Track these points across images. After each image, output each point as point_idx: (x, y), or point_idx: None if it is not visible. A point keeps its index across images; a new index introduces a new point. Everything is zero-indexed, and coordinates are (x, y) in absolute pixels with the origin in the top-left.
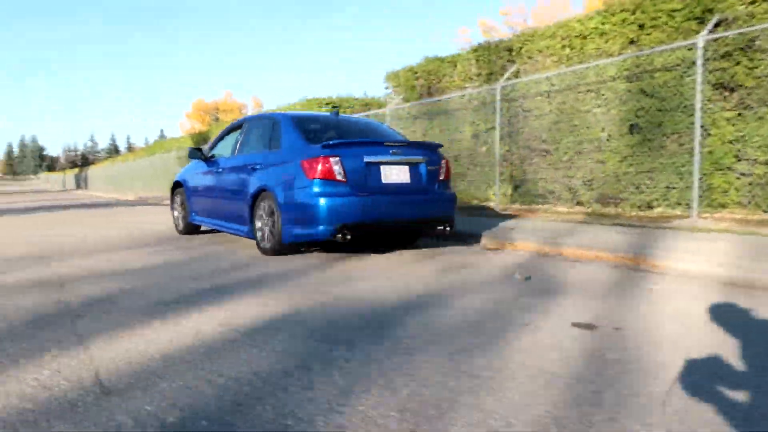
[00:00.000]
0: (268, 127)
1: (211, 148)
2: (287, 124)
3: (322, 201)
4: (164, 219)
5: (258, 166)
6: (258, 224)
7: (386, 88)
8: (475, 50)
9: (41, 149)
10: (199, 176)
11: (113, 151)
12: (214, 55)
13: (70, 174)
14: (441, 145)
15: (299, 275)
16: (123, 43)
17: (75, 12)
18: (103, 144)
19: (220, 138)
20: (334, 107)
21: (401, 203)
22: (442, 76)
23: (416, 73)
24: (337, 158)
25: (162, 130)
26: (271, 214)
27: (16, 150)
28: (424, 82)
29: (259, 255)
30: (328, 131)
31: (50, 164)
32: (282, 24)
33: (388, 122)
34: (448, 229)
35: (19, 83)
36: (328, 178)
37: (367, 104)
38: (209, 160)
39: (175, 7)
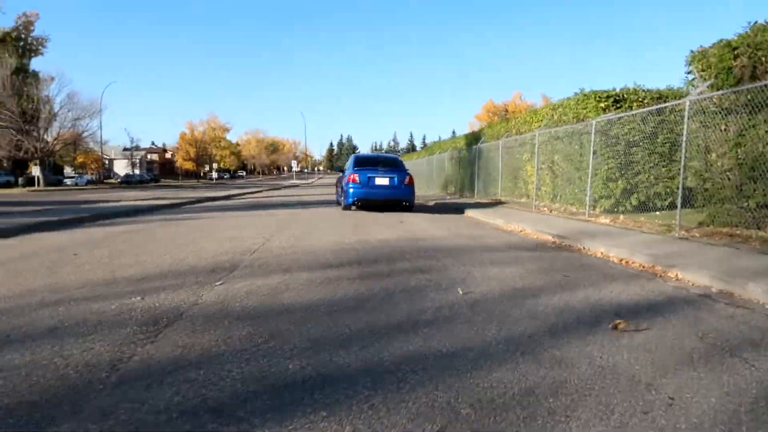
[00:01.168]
0: (350, 158)
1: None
2: (353, 158)
3: (351, 190)
4: (394, 222)
5: (345, 175)
6: (341, 199)
7: (688, 72)
8: None
9: (354, 148)
10: (340, 179)
11: (410, 149)
12: (508, 56)
13: None
14: (406, 170)
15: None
16: (426, 44)
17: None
18: (403, 143)
19: (347, 161)
20: (616, 101)
21: (383, 193)
22: None
23: (735, 48)
24: (357, 174)
25: (454, 131)
26: (343, 195)
27: (335, 148)
28: (747, 60)
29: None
30: (367, 161)
31: None
32: (574, 17)
33: (688, 118)
34: (407, 204)
35: (340, 88)
36: (353, 182)
37: (660, 96)
38: (342, 172)
39: (480, 9)
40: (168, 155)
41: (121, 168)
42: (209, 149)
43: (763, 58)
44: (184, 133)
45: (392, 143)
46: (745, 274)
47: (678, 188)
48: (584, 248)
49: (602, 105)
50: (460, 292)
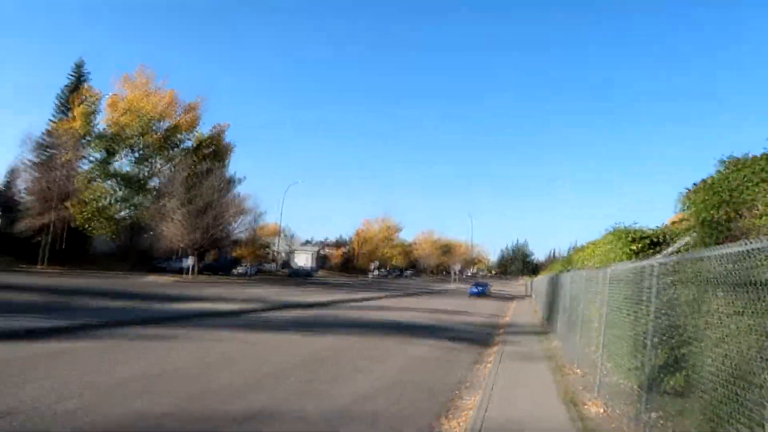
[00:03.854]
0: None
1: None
2: (474, 283)
3: (469, 291)
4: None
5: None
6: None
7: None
8: None
9: (526, 255)
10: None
11: None
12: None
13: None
14: (488, 285)
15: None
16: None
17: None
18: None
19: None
20: (653, 243)
21: (479, 291)
22: (755, 198)
23: (716, 191)
24: (473, 287)
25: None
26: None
27: (510, 253)
28: (729, 208)
29: None
30: (476, 283)
31: (534, 268)
32: None
33: (654, 285)
34: (487, 294)
35: (520, 191)
36: (471, 288)
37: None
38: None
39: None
40: (342, 250)
41: (301, 260)
42: (381, 248)
43: (741, 205)
44: (360, 229)
45: (570, 251)
46: None
47: None
48: None
49: (633, 248)
50: None
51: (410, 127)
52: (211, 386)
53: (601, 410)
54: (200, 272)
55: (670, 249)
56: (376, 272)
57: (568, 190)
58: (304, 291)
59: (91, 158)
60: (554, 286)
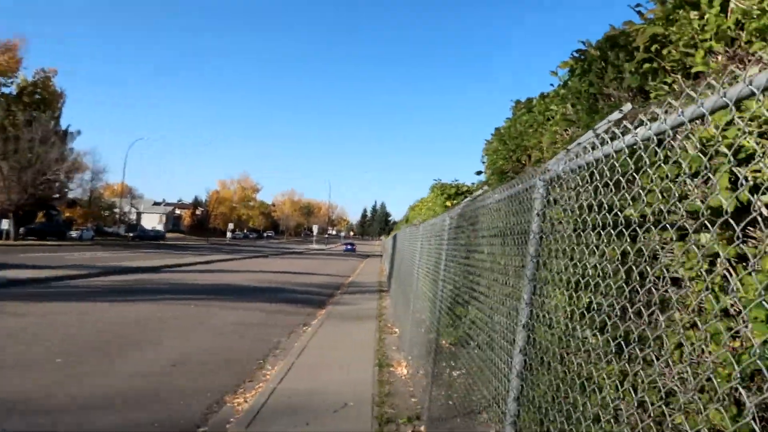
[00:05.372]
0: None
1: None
2: (346, 242)
3: (343, 248)
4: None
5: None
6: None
7: (479, 172)
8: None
9: (387, 215)
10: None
11: None
12: None
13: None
14: (354, 244)
15: None
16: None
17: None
18: None
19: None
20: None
21: (350, 249)
22: (536, 144)
23: (503, 139)
24: (345, 245)
25: None
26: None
27: (369, 215)
28: (515, 156)
29: None
30: (347, 243)
31: (391, 228)
32: None
33: (445, 238)
34: (353, 251)
35: (377, 153)
36: (344, 246)
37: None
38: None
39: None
40: (198, 211)
41: (153, 221)
42: (238, 209)
43: (524, 153)
44: (216, 191)
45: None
46: None
47: None
48: None
49: (447, 204)
50: None
51: (268, 85)
52: None
53: (406, 371)
54: (24, 236)
55: (462, 203)
56: (230, 234)
57: (425, 150)
58: (144, 254)
59: None
60: (394, 245)
